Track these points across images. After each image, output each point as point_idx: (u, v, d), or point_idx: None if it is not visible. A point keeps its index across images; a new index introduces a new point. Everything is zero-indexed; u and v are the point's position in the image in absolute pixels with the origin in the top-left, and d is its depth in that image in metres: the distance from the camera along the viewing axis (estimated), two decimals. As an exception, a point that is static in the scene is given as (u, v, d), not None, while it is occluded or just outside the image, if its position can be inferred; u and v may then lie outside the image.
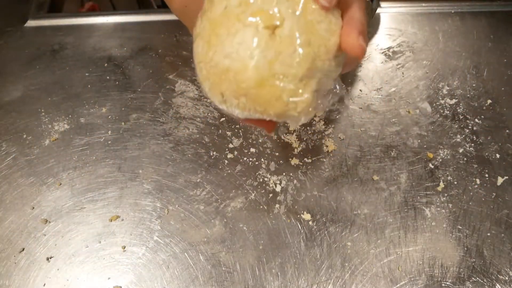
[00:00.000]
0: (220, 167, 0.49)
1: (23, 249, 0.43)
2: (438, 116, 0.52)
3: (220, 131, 0.52)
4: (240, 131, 0.51)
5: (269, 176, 0.48)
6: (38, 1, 0.67)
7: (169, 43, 0.60)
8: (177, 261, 0.43)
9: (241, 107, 0.31)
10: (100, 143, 0.51)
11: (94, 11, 0.77)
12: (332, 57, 0.30)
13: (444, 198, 0.46)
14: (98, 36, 0.62)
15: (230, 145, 0.50)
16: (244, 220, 0.45)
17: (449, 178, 0.47)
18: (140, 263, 0.43)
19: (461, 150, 0.49)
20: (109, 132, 0.52)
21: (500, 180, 0.47)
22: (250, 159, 0.49)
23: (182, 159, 0.49)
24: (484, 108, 0.52)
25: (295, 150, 0.50)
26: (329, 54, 0.30)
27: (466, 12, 0.62)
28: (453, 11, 0.62)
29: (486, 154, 0.49)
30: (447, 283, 0.41)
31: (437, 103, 0.53)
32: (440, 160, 0.49)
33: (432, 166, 0.48)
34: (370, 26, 0.62)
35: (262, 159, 0.49)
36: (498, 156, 0.49)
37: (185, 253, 0.43)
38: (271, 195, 0.47)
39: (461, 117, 0.52)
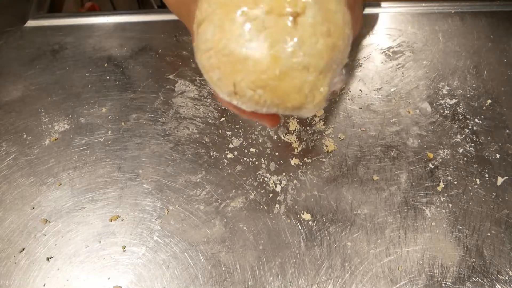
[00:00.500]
0: (220, 167, 0.49)
1: (23, 249, 0.44)
2: (438, 116, 0.52)
3: (220, 131, 0.52)
4: (240, 131, 0.51)
5: (269, 176, 0.48)
6: (38, 1, 0.67)
7: (169, 43, 0.60)
8: (177, 261, 0.43)
9: (255, 100, 0.28)
10: (100, 143, 0.51)
11: (94, 11, 0.77)
12: (347, 48, 0.29)
13: (444, 198, 0.46)
14: (98, 36, 0.62)
15: (230, 145, 0.50)
16: (244, 220, 0.45)
17: (449, 178, 0.47)
18: (140, 263, 0.43)
19: (461, 150, 0.49)
20: (109, 132, 0.52)
21: (500, 180, 0.47)
22: (250, 159, 0.49)
23: (182, 159, 0.49)
24: (484, 108, 0.52)
25: (295, 150, 0.50)
26: (346, 45, 0.29)
27: (466, 12, 0.61)
28: (453, 11, 0.62)
29: (486, 154, 0.49)
30: (447, 283, 0.41)
31: (437, 103, 0.53)
32: (440, 160, 0.49)
33: (432, 166, 0.48)
34: (369, 25, 0.62)
35: (262, 159, 0.49)
36: (498, 156, 0.49)
37: (185, 253, 0.43)
38: (271, 195, 0.47)
39: (461, 117, 0.52)
